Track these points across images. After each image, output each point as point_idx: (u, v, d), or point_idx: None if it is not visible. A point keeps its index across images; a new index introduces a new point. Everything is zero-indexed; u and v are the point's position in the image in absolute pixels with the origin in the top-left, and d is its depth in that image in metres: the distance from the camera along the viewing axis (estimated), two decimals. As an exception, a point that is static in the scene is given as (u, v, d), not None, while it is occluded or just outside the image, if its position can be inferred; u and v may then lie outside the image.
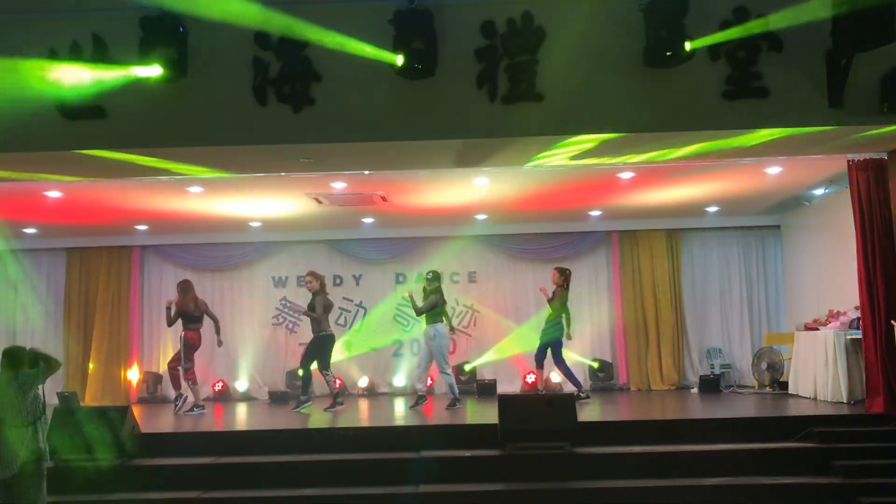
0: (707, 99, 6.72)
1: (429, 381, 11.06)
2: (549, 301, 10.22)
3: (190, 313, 10.01)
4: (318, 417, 9.17)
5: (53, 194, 9.44)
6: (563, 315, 10.10)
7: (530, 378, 12.11)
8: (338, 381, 10.62)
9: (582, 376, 12.47)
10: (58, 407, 9.01)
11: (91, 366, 12.38)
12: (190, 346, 9.99)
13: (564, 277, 10.28)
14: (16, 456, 5.02)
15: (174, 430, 8.54)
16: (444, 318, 9.81)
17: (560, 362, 10.15)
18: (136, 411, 8.11)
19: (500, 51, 6.69)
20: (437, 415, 9.18)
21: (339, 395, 9.92)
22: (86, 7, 6.76)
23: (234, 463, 7.21)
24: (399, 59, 6.42)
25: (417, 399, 9.71)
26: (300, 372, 10.03)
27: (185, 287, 10.17)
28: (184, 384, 10.02)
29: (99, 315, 12.53)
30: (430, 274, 9.93)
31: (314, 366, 9.72)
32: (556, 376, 12.10)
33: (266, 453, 7.44)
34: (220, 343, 10.37)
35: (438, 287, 9.77)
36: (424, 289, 9.87)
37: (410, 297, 9.83)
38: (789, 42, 6.64)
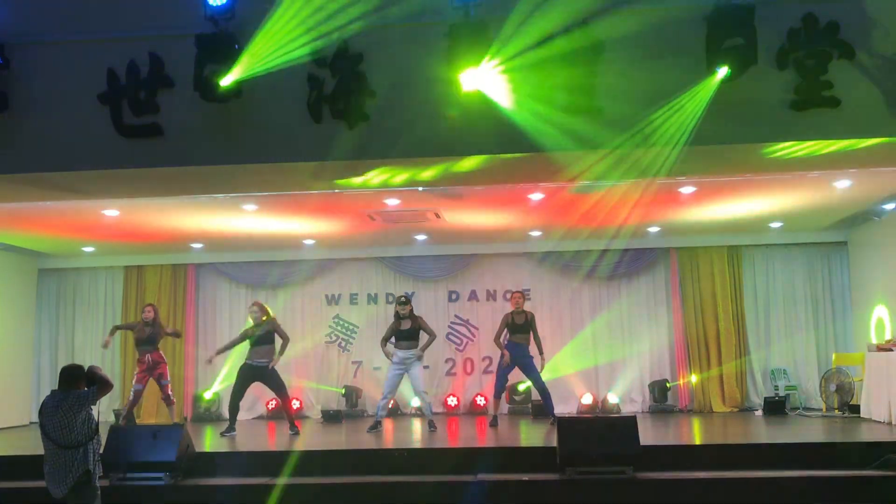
0: (774, 109, 6.42)
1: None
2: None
3: None
4: (368, 438, 9.04)
5: (111, 213, 9.53)
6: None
7: (586, 399, 11.88)
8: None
9: (641, 395, 12.20)
10: (113, 424, 9.08)
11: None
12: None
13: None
14: (66, 477, 4.98)
15: (229, 450, 8.48)
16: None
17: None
18: (191, 429, 8.08)
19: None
20: (494, 436, 8.98)
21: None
22: (143, 26, 6.80)
23: (287, 484, 7.09)
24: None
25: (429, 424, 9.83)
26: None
27: None
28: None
29: (155, 332, 12.59)
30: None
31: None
32: (613, 397, 11.86)
33: (320, 474, 7.33)
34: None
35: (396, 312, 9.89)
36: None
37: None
38: (862, 49, 6.33)
